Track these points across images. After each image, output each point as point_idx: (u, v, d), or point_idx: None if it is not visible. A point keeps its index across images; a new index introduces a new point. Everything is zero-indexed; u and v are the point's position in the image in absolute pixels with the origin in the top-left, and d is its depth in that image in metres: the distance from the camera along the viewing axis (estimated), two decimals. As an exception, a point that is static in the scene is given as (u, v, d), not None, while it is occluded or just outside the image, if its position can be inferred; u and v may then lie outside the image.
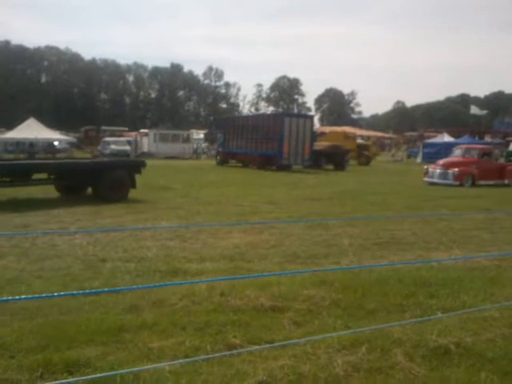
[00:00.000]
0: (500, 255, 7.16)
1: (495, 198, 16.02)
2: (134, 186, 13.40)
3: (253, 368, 3.49)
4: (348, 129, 51.03)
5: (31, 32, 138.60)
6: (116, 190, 12.74)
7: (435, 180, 20.80)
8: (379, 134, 69.72)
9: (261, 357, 3.67)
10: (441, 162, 21.76)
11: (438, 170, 21.00)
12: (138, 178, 13.62)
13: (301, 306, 4.80)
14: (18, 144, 38.49)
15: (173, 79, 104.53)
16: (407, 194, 16.43)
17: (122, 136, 50.11)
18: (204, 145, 50.84)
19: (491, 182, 20.96)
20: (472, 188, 19.61)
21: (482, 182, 20.65)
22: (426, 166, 22.60)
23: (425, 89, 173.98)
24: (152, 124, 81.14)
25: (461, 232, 9.33)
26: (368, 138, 53.93)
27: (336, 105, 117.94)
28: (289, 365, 3.54)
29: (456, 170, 20.46)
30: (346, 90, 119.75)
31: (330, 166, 30.45)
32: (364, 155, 37.92)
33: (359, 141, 42.22)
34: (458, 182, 20.06)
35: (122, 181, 13.11)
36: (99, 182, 12.73)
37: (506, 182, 21.52)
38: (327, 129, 43.68)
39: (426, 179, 21.36)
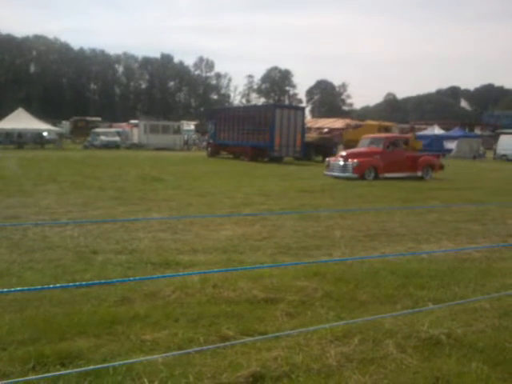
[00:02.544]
0: (490, 247, 7.22)
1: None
2: None
3: (246, 359, 3.50)
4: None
5: (19, 21, 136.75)
6: None
7: (335, 173, 18.34)
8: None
9: (254, 348, 3.68)
10: (343, 153, 19.40)
11: (339, 162, 18.48)
12: (130, 169, 13.08)
13: (293, 297, 4.81)
14: (7, 135, 38.09)
15: (163, 70, 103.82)
16: (397, 186, 16.49)
17: (111, 127, 49.82)
18: (194, 136, 50.69)
19: (401, 175, 18.58)
20: (376, 181, 17.45)
21: (387, 175, 18.21)
22: (327, 159, 19.93)
23: (416, 81, 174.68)
24: (142, 115, 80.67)
25: (451, 224, 9.40)
26: (410, 129, 51.43)
27: (327, 97, 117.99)
28: (282, 356, 3.55)
29: (355, 161, 17.88)
30: (337, 82, 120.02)
31: (320, 158, 30.43)
32: None
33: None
34: (357, 175, 17.72)
35: None
36: None
37: (420, 174, 19.14)
38: (361, 122, 43.02)
39: (326, 172, 18.90)
